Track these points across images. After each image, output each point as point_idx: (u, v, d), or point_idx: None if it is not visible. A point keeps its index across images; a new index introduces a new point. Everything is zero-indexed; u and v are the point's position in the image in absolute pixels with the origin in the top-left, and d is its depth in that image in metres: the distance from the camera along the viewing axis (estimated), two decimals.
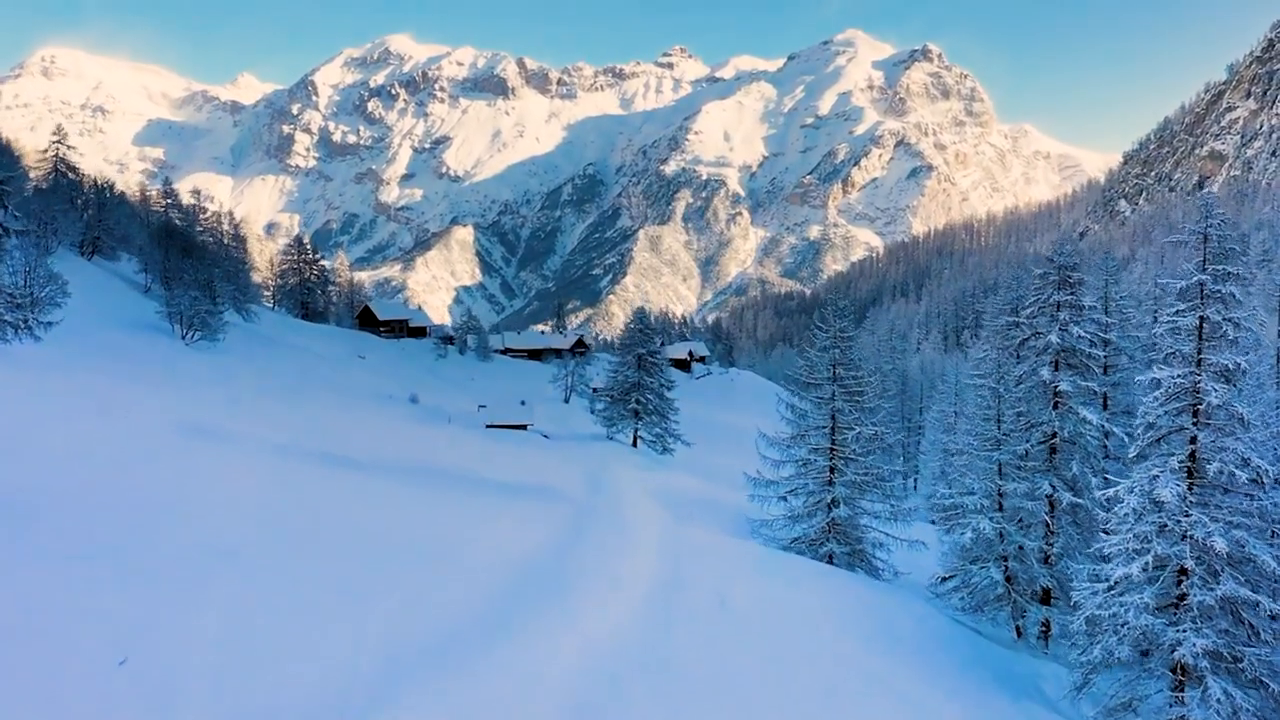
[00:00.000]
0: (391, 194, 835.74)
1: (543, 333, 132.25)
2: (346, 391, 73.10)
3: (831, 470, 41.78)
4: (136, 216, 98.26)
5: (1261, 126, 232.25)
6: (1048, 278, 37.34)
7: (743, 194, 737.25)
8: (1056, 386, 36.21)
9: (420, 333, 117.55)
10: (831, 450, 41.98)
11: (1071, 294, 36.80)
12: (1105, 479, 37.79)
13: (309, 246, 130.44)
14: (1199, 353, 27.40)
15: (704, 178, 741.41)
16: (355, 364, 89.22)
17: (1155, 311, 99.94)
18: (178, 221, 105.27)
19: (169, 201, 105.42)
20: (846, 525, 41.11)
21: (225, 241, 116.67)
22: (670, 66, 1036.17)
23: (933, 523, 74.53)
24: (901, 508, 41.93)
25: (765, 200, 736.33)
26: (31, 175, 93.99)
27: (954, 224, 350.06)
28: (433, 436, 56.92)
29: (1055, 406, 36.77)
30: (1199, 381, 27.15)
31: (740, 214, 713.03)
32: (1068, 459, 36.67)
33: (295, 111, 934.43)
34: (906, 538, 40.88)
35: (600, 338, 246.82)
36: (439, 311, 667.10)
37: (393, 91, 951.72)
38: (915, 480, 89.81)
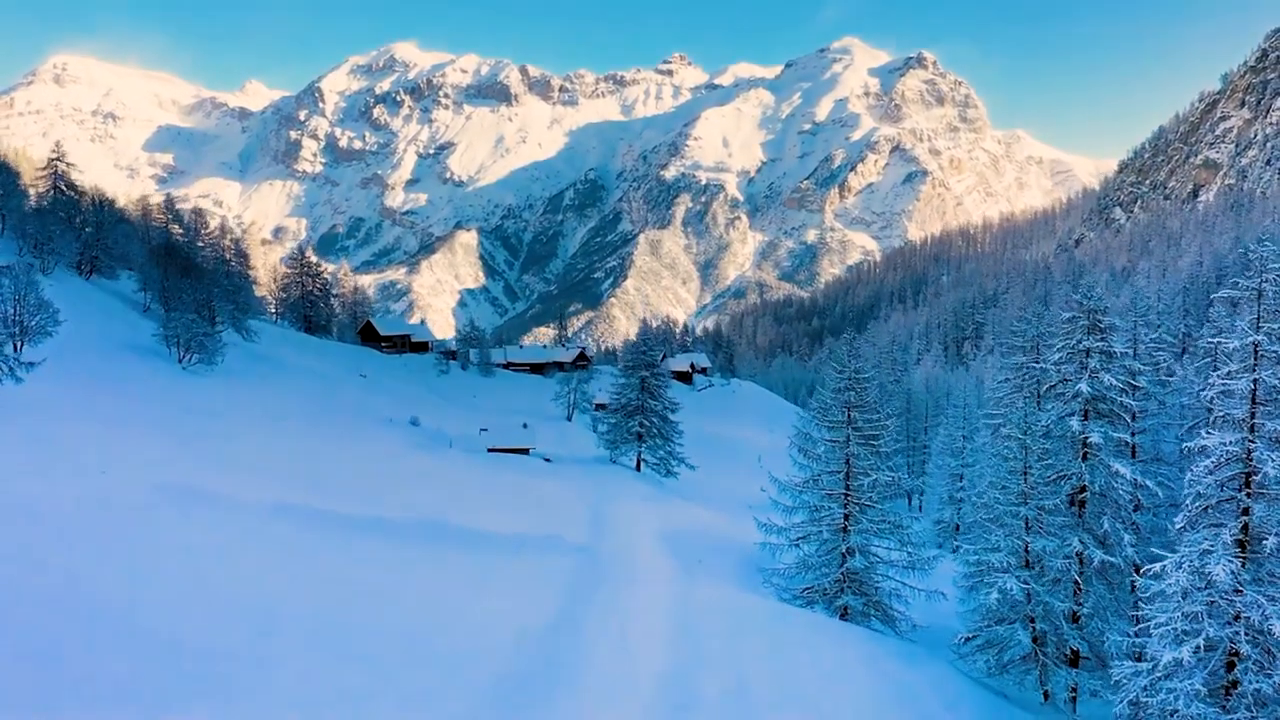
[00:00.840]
0: (397, 199, 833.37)
1: (544, 346, 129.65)
2: (347, 416, 70.48)
3: (846, 518, 39.14)
4: (137, 233, 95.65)
5: (1256, 135, 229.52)
6: (1076, 322, 34.71)
7: (741, 199, 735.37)
8: (1086, 438, 33.64)
9: (422, 348, 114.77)
10: (846, 496, 39.35)
11: (1102, 339, 34.19)
12: (1136, 530, 35.27)
13: (312, 260, 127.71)
14: (1252, 418, 24.88)
15: (703, 183, 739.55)
16: (356, 384, 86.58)
17: (1180, 347, 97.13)
18: (179, 237, 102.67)
19: (170, 216, 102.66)
20: (862, 576, 38.49)
21: (227, 256, 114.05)
22: (670, 73, 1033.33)
23: (940, 545, 72.24)
24: (920, 555, 39.29)
25: (763, 205, 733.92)
26: (31, 192, 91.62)
27: (950, 231, 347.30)
28: (433, 470, 54.24)
29: (1084, 458, 34.19)
30: (1253, 450, 24.65)
31: (739, 218, 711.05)
32: (1098, 513, 34.07)
33: (302, 118, 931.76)
34: (925, 587, 38.37)
35: (602, 344, 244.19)
36: (443, 314, 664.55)
37: (398, 98, 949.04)
38: (920, 501, 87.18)
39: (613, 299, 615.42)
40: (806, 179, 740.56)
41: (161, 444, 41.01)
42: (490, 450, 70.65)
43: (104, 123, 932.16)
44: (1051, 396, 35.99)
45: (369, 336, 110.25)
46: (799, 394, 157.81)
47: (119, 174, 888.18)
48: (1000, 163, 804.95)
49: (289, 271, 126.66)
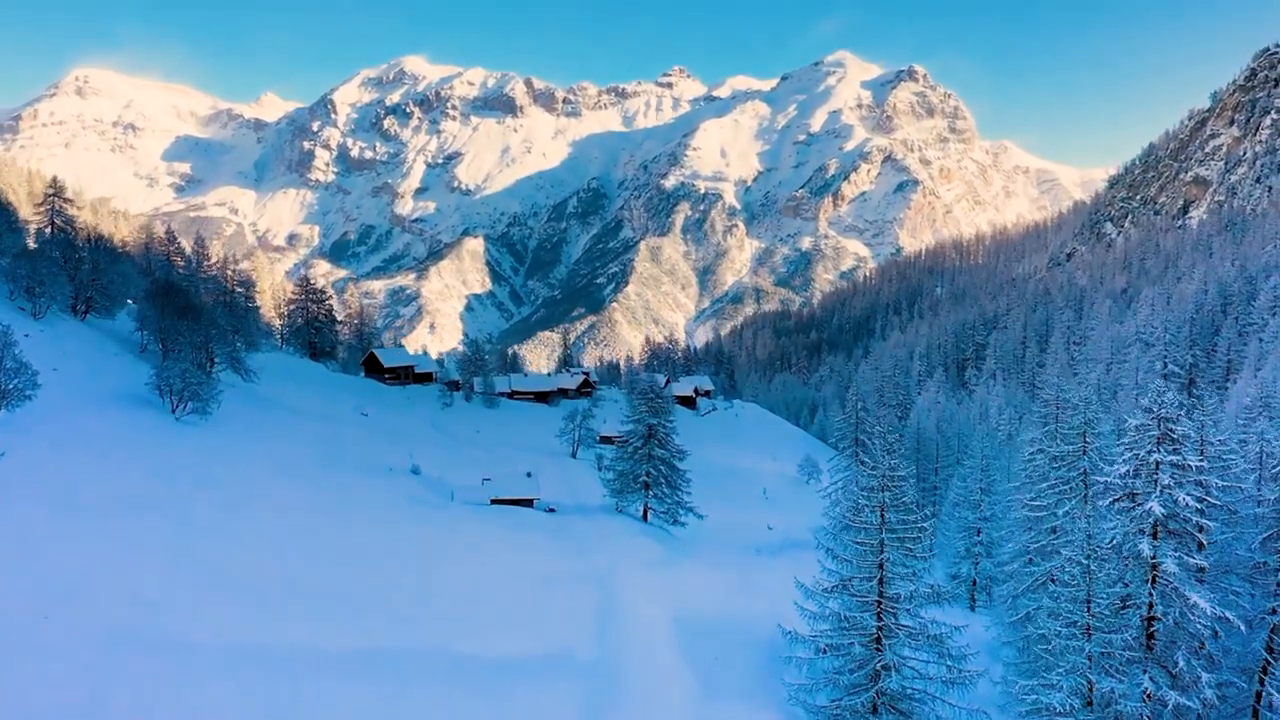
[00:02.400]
0: (406, 206, 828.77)
1: (548, 374, 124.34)
2: (347, 468, 65.36)
3: (880, 629, 34.08)
4: (137, 266, 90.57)
5: (1245, 153, 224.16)
6: (1145, 432, 29.63)
7: (738, 207, 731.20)
8: (1157, 563, 28.66)
9: (426, 378, 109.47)
10: (879, 605, 34.28)
11: (1175, 452, 29.13)
12: (1212, 663, 30.30)
13: (316, 285, 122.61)
14: None
15: (702, 191, 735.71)
16: (358, 424, 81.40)
17: (1188, 378, 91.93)
18: (180, 268, 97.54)
19: (171, 247, 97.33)
20: (897, 698, 33.46)
21: (231, 286, 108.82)
22: (670, 86, 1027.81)
23: (951, 584, 67.23)
24: (962, 670, 34.19)
25: (760, 213, 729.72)
26: (30, 227, 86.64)
27: (944, 243, 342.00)
28: (433, 544, 49.19)
29: (1153, 583, 29.20)
30: None
31: (736, 226, 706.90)
32: (1170, 645, 29.10)
33: (315, 129, 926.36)
34: (968, 705, 33.37)
35: (605, 359, 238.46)
36: (451, 319, 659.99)
37: (407, 110, 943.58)
38: (931, 543, 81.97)
39: (615, 304, 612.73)
40: (801, 188, 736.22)
41: (132, 542, 35.94)
42: (494, 502, 65.72)
43: (124, 133, 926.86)
44: (1113, 511, 30.88)
45: (372, 368, 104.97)
46: (801, 414, 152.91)
47: (139, 183, 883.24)
48: (988, 172, 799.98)
49: (294, 296, 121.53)
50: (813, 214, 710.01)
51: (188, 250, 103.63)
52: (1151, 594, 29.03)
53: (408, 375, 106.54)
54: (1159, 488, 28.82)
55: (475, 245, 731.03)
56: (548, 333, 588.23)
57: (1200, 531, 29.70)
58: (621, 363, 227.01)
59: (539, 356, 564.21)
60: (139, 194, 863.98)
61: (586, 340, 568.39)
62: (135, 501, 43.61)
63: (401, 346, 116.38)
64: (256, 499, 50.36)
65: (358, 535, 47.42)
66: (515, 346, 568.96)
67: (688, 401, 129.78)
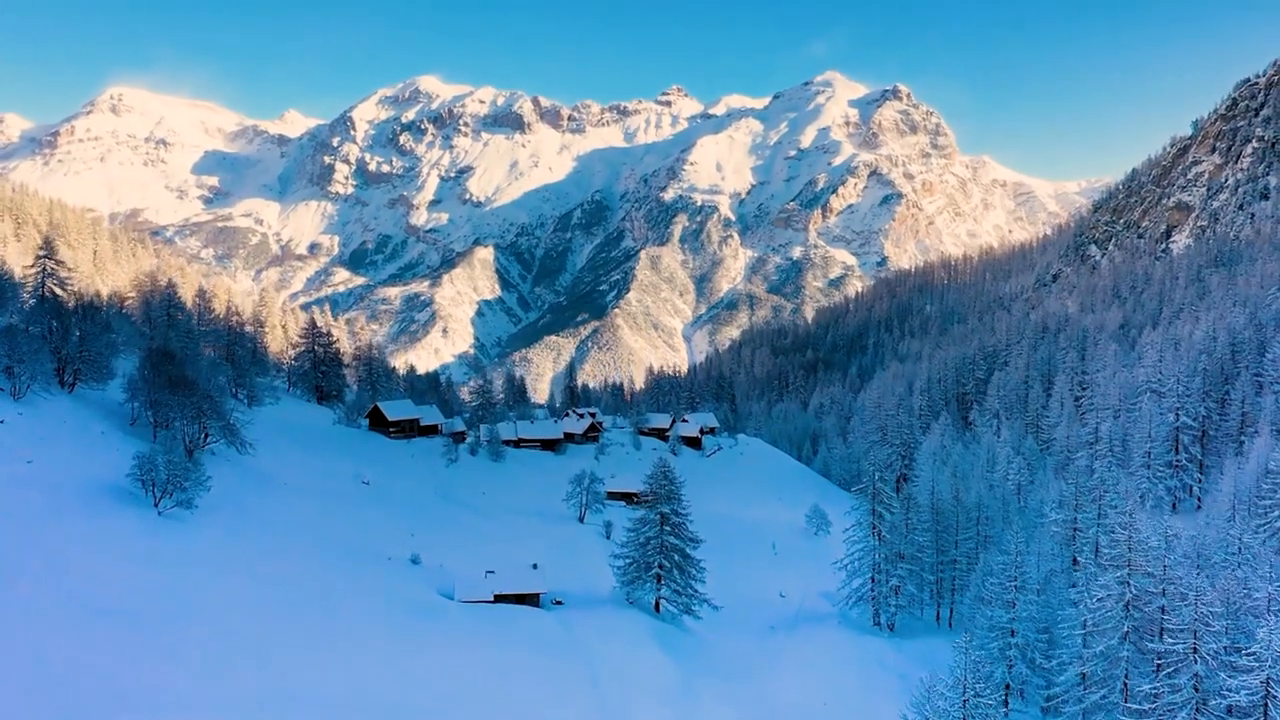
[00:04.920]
0: (420, 217, 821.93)
1: (554, 421, 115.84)
2: (341, 560, 57.16)
3: None
4: (134, 328, 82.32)
5: (1228, 180, 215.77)
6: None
7: (733, 218, 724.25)
8: None
9: (431, 430, 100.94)
10: None
11: None
12: None
13: (324, 330, 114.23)
14: None
15: (699, 204, 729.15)
16: (358, 497, 73.05)
17: (1200, 430, 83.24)
18: (180, 318, 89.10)
19: (169, 304, 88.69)
20: None
21: (235, 329, 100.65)
22: (669, 104, 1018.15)
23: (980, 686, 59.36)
24: None
25: (753, 224, 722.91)
26: (23, 284, 78.35)
27: (933, 263, 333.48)
28: (426, 683, 41.00)
29: None
30: None
31: (731, 236, 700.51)
32: None
33: (336, 144, 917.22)
34: None
35: (610, 382, 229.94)
36: (462, 323, 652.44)
37: (422, 126, 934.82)
38: (950, 617, 73.78)
39: (617, 310, 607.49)
40: (792, 201, 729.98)
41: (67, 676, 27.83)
42: (497, 598, 57.50)
43: (156, 148, 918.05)
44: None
45: (377, 421, 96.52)
46: (803, 446, 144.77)
47: (169, 195, 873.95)
48: (968, 185, 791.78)
49: (300, 339, 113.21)
50: (803, 225, 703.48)
51: (189, 303, 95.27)
52: None
53: (412, 428, 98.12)
54: None
55: (485, 254, 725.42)
56: (554, 337, 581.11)
57: None
58: (625, 385, 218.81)
59: (545, 360, 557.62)
60: (170, 205, 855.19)
61: (590, 345, 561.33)
62: (90, 632, 35.69)
63: (407, 399, 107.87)
64: (231, 617, 42.42)
65: (336, 676, 39.29)
66: (524, 350, 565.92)
67: (694, 442, 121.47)
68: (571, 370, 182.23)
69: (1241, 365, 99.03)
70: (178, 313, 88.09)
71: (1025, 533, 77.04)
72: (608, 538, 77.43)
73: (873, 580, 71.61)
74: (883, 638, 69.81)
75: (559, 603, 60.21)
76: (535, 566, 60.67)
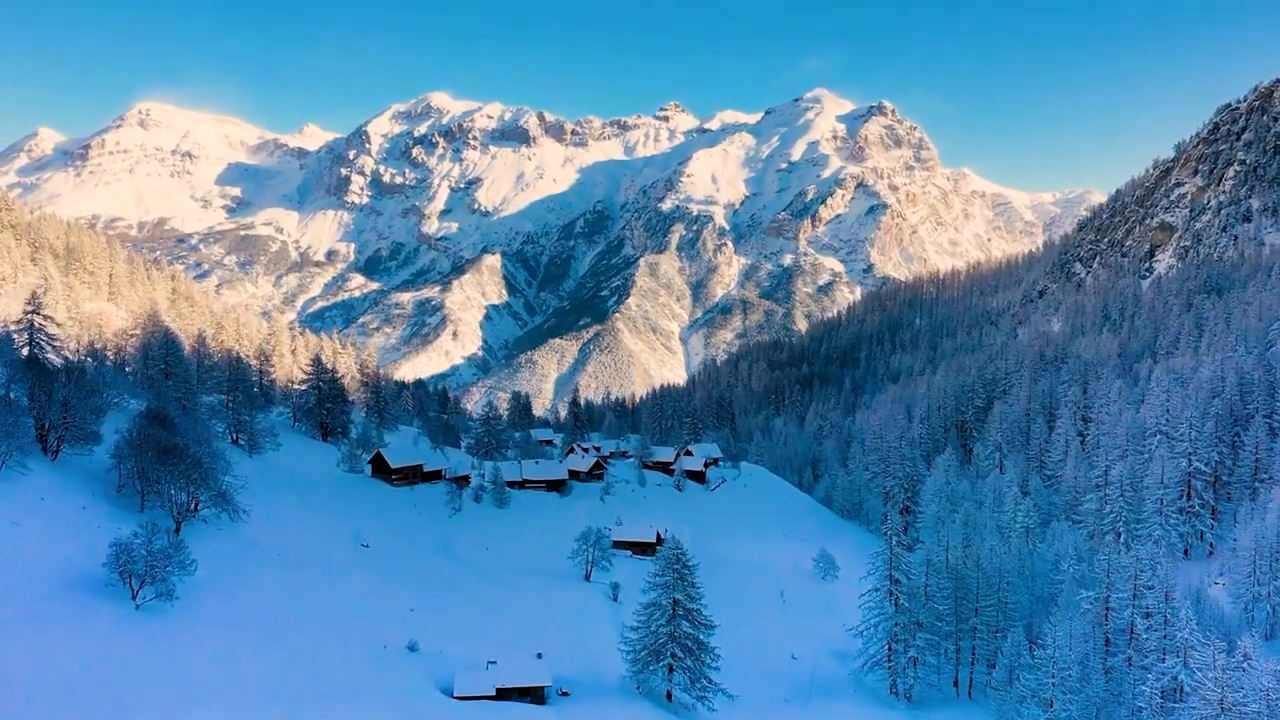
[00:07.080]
0: (432, 226, 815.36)
1: (559, 461, 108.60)
2: (328, 657, 49.96)
3: None
4: (128, 381, 75.05)
5: (1210, 202, 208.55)
6: None
7: (727, 227, 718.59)
8: None
9: (435, 477, 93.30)
10: None
11: None
12: None
13: (329, 365, 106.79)
14: None
15: (695, 214, 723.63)
16: (355, 565, 65.69)
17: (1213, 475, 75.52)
18: (176, 367, 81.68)
19: (166, 354, 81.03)
20: None
21: (242, 364, 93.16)
22: (666, 119, 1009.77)
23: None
24: None
25: (746, 233, 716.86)
26: (15, 338, 70.90)
27: (922, 278, 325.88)
28: None
29: None
30: None
31: (725, 244, 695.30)
32: None
33: (351, 156, 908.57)
34: None
35: (612, 398, 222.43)
36: (471, 327, 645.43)
37: (433, 140, 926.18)
38: (969, 688, 66.77)
39: (617, 314, 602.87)
40: (783, 211, 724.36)
41: None
42: (499, 692, 50.38)
43: (182, 160, 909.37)
44: None
45: (380, 469, 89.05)
46: (804, 472, 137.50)
47: (194, 205, 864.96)
48: (949, 196, 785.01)
49: (305, 376, 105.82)
50: (793, 234, 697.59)
51: (189, 346, 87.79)
52: None
53: (415, 474, 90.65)
54: None
55: (493, 261, 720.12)
56: (558, 340, 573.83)
57: None
58: (628, 400, 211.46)
59: (549, 361, 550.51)
60: (195, 214, 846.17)
61: (592, 347, 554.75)
62: None
63: (413, 427, 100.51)
64: None
65: None
66: (530, 353, 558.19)
67: (698, 476, 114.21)
68: (575, 390, 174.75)
69: (1252, 408, 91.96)
70: (175, 364, 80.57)
71: (1045, 601, 70.10)
72: (615, 599, 70.29)
73: (889, 649, 64.66)
74: (900, 710, 62.90)
75: (565, 693, 53.13)
76: (540, 656, 53.49)
